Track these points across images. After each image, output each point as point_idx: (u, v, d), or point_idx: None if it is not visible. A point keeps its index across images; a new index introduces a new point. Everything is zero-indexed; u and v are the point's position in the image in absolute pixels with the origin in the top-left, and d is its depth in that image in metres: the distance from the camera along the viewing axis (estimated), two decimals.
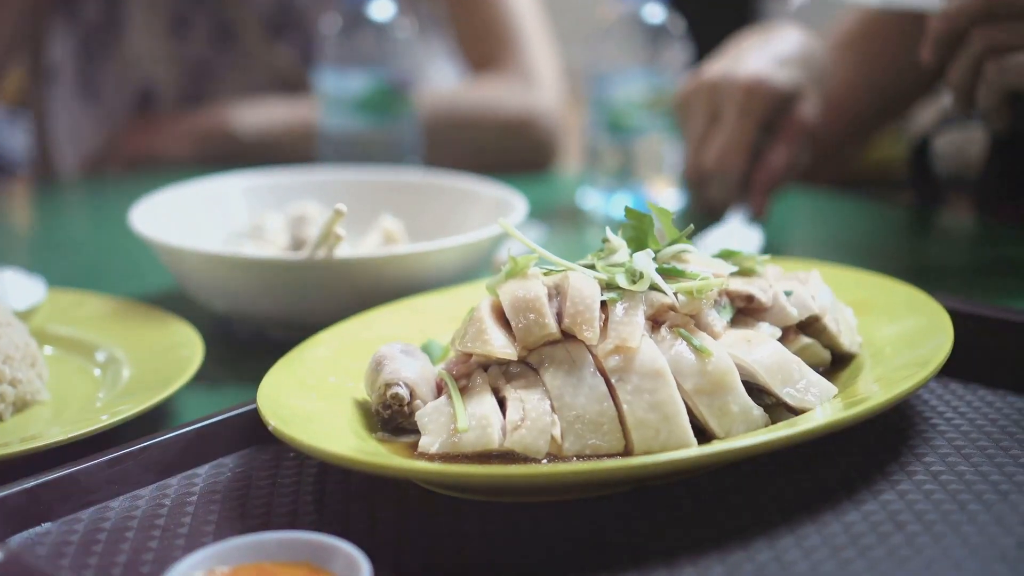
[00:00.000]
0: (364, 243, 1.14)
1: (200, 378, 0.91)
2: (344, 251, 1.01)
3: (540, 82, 1.74)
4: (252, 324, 1.07)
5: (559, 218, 1.50)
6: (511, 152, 1.70)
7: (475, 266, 1.08)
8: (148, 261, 1.21)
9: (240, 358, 1.04)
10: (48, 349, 0.98)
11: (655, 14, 1.48)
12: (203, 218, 1.20)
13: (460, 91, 1.80)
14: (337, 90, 1.49)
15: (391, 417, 0.79)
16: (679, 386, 0.75)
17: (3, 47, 1.75)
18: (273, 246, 1.14)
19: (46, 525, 0.73)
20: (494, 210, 1.18)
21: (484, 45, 1.76)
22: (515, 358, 0.78)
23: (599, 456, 0.74)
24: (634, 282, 0.79)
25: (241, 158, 1.62)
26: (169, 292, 1.17)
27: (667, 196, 1.48)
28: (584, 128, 1.54)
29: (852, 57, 1.58)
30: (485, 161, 1.60)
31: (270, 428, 0.75)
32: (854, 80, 1.58)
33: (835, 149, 1.64)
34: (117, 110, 1.78)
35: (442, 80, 1.89)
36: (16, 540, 0.72)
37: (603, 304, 0.78)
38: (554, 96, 1.75)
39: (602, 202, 1.49)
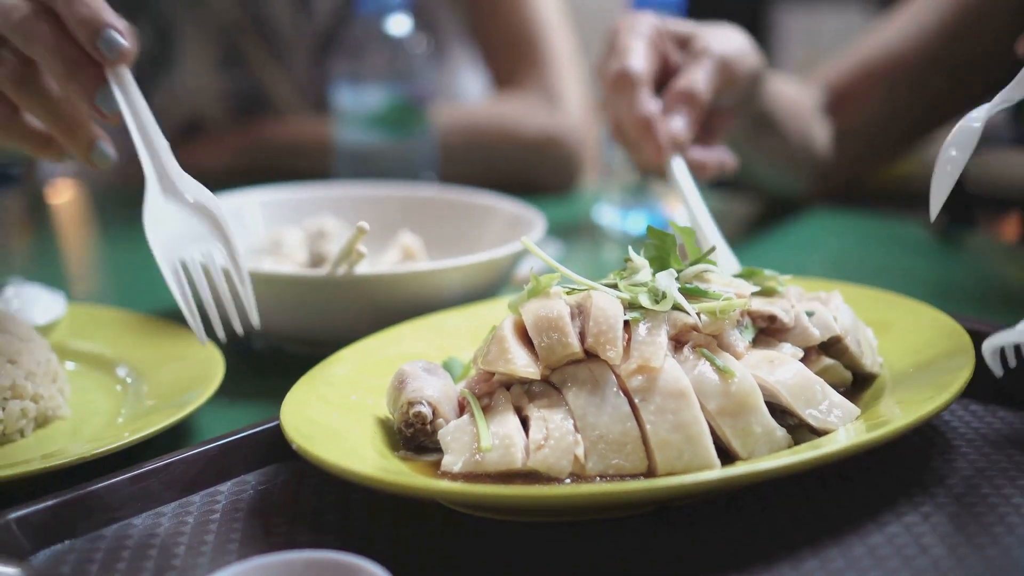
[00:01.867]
0: (383, 259, 1.14)
1: (220, 394, 0.91)
2: (364, 268, 1.01)
3: (564, 102, 1.72)
4: (271, 340, 1.08)
5: (575, 234, 1.50)
6: (534, 172, 1.69)
7: (495, 283, 1.08)
8: None
9: (259, 374, 1.04)
10: (70, 364, 0.98)
11: None
12: None
13: (483, 109, 1.79)
14: (353, 105, 1.50)
15: (413, 435, 0.79)
16: (702, 406, 0.75)
17: None
18: (291, 261, 1.14)
19: (69, 542, 0.73)
20: (512, 227, 1.18)
21: (509, 61, 1.75)
22: (538, 377, 0.78)
23: (622, 476, 0.74)
24: (657, 302, 0.79)
25: (274, 171, 1.62)
26: None
27: (681, 213, 1.48)
28: (599, 143, 1.54)
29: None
30: (506, 180, 1.60)
31: (294, 446, 0.75)
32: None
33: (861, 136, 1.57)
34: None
35: (466, 91, 1.89)
36: (40, 557, 0.72)
37: (626, 324, 0.78)
38: (578, 116, 1.74)
39: (618, 218, 1.49)
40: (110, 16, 0.83)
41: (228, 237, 0.82)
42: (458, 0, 1.82)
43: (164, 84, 1.75)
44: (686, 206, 1.13)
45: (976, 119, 0.83)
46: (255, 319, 0.81)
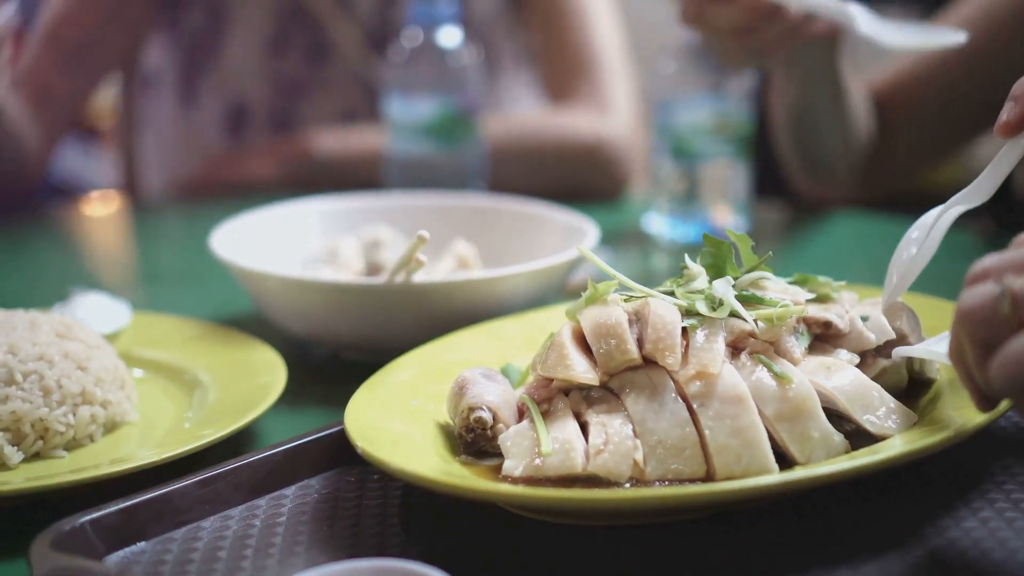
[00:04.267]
0: (438, 268, 1.15)
1: (281, 400, 0.93)
2: (421, 276, 1.02)
3: (614, 110, 1.74)
4: (329, 347, 1.09)
5: (624, 242, 1.51)
6: (582, 177, 1.71)
7: (548, 291, 1.10)
8: (226, 284, 1.23)
9: (318, 381, 1.06)
10: (136, 371, 1.01)
11: None
12: (280, 242, 1.23)
13: (532, 117, 1.81)
14: (404, 116, 1.52)
15: (474, 440, 0.80)
16: (760, 412, 0.76)
17: (110, 63, 1.80)
18: (348, 270, 1.16)
19: (141, 544, 0.75)
20: (564, 235, 1.20)
21: (565, 79, 1.78)
22: (596, 383, 0.79)
23: (681, 481, 0.74)
24: (714, 309, 0.80)
25: (322, 183, 1.64)
26: (244, 315, 1.19)
27: (731, 222, 1.49)
28: (648, 153, 1.55)
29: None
30: (553, 188, 1.61)
31: (358, 450, 0.77)
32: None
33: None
34: (211, 123, 1.80)
35: (519, 108, 1.90)
36: (113, 558, 0.74)
37: (683, 330, 0.79)
38: (627, 123, 1.76)
39: (667, 227, 1.50)
40: None
41: None
42: (519, 22, 1.84)
43: (213, 65, 1.78)
44: None
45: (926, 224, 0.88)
46: None
